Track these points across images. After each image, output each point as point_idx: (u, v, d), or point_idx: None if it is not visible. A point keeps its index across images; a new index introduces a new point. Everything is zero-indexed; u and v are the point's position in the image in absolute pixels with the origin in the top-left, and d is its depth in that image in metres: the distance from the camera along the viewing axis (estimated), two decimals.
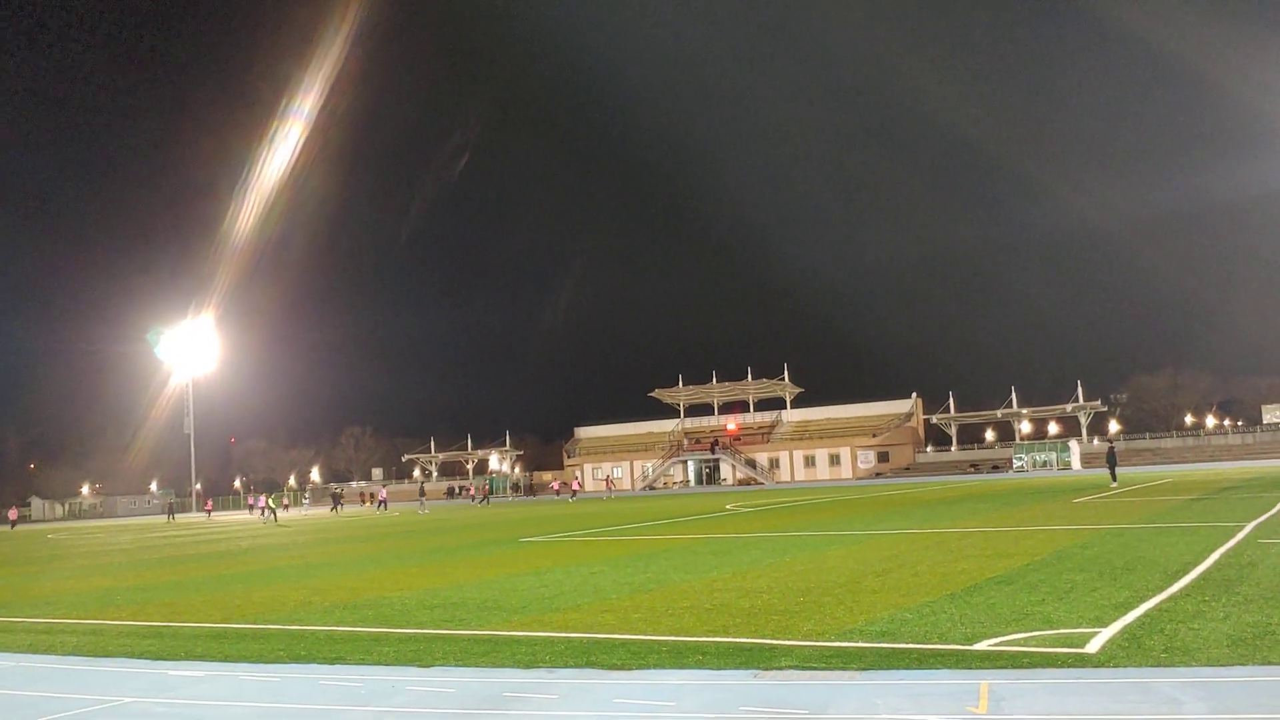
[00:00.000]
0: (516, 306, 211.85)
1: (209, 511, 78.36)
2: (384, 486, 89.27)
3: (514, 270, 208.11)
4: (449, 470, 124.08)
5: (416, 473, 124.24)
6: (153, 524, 62.89)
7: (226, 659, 9.25)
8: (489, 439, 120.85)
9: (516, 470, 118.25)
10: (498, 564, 17.94)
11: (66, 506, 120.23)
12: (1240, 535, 15.55)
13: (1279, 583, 10.30)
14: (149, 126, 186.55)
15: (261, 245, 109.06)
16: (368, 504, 79.13)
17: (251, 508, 75.05)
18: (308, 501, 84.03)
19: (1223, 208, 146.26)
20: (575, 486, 73.36)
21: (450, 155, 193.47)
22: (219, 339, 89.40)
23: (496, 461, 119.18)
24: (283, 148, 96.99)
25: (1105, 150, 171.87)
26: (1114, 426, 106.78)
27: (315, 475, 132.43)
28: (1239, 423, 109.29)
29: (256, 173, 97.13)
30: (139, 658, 9.62)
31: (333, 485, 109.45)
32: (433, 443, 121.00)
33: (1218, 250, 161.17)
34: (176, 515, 75.42)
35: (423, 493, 68.90)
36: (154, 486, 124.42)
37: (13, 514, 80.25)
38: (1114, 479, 39.15)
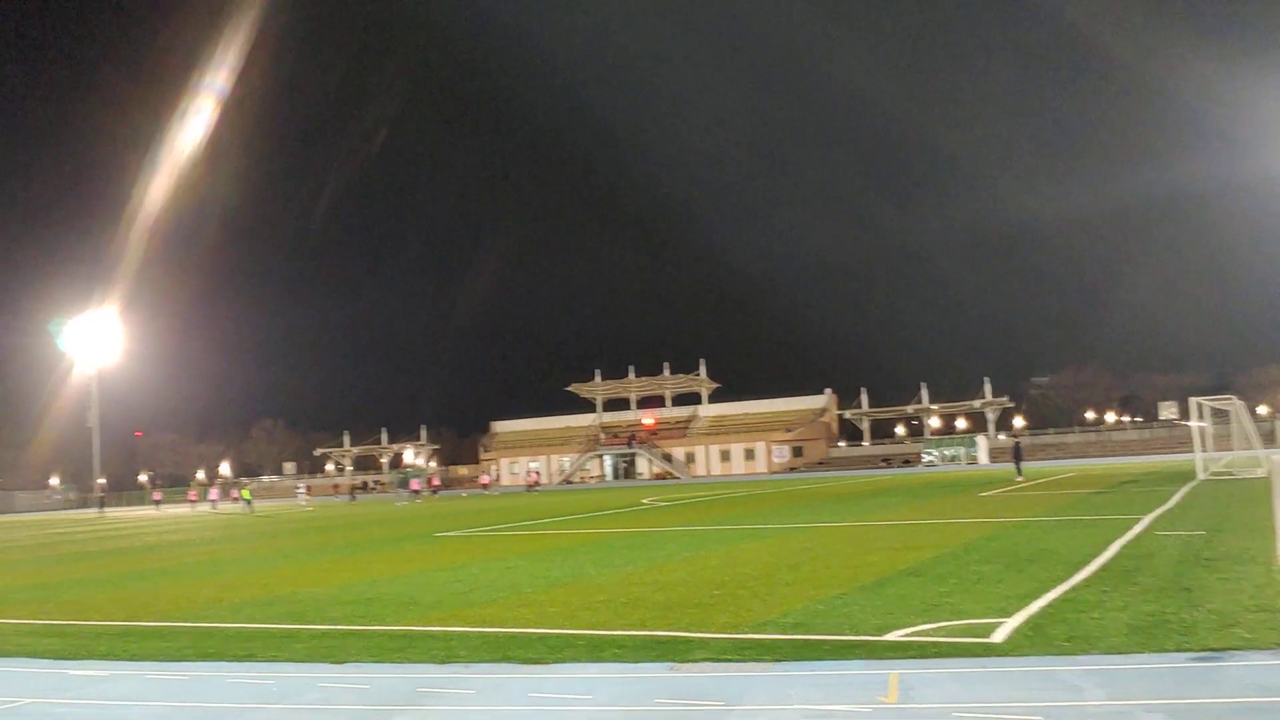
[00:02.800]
0: (432, 299, 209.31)
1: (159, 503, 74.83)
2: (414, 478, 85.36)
3: (430, 262, 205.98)
4: (364, 465, 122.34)
5: (330, 467, 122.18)
6: (83, 518, 60.79)
7: (131, 658, 9.00)
8: (405, 433, 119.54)
9: (432, 464, 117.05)
10: (413, 559, 17.76)
11: None
12: (1139, 527, 16.06)
13: (1175, 573, 10.69)
14: (48, 104, 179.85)
15: (169, 232, 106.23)
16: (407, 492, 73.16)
17: (157, 502, 73.25)
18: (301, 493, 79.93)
19: (1124, 210, 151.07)
20: (534, 478, 72.66)
21: (362, 145, 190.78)
22: (124, 329, 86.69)
23: (412, 455, 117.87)
24: (191, 129, 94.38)
25: (1012, 152, 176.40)
26: (1019, 422, 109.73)
27: (225, 469, 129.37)
28: (1137, 419, 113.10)
29: (163, 156, 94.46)
30: (39, 657, 9.32)
31: (349, 474, 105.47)
32: (347, 437, 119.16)
33: (1118, 252, 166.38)
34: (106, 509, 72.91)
35: (405, 485, 66.16)
36: (55, 481, 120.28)
37: None
38: (1019, 473, 40.11)
